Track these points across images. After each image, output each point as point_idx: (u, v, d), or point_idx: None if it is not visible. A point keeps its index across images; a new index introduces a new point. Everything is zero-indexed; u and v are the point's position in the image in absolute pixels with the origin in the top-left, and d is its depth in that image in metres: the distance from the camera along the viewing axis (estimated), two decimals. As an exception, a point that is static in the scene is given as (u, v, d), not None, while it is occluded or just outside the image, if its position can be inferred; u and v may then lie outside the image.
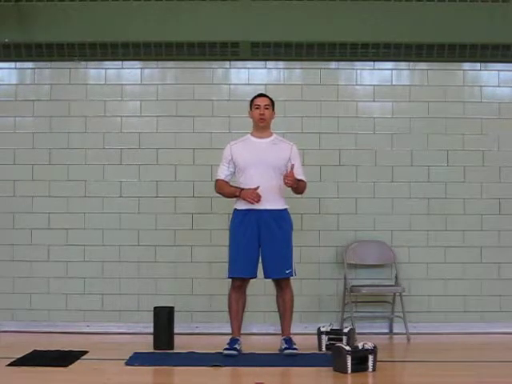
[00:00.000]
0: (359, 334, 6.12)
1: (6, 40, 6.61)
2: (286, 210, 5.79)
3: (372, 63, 6.83)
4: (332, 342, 5.65)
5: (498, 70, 6.84)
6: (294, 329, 5.87)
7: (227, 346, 5.65)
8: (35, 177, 6.76)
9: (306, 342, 5.87)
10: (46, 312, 6.67)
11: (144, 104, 6.82)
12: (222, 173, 5.84)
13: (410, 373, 5.34)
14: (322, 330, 5.88)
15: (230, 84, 6.84)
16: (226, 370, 5.23)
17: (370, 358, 5.08)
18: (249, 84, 6.79)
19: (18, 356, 5.43)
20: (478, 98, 6.83)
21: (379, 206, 6.75)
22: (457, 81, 6.85)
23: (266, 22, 6.58)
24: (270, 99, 5.87)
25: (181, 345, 5.95)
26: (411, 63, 6.83)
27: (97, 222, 6.73)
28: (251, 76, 6.83)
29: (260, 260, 5.73)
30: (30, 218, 6.73)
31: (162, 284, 6.69)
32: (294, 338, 5.77)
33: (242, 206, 5.72)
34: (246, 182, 5.72)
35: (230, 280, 5.79)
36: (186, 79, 6.81)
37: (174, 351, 5.87)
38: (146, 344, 5.99)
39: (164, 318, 6.02)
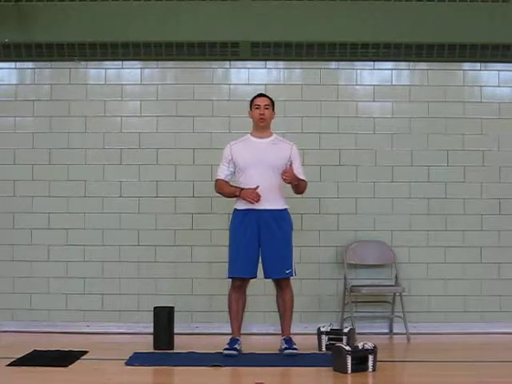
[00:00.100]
0: (359, 333, 6.12)
1: (6, 40, 6.61)
2: (286, 209, 5.79)
3: (372, 63, 6.83)
4: (332, 342, 5.65)
5: (498, 70, 6.84)
6: (294, 329, 5.87)
7: (227, 346, 5.65)
8: (35, 177, 6.76)
9: (305, 341, 5.87)
10: (46, 312, 6.67)
11: (144, 104, 6.82)
12: (222, 173, 5.84)
13: (410, 373, 5.34)
14: (322, 330, 5.88)
15: (229, 84, 6.84)
16: (225, 370, 5.23)
17: (370, 357, 5.08)
18: (249, 84, 6.79)
19: (18, 356, 5.43)
20: (477, 97, 6.83)
21: (379, 206, 6.75)
22: (457, 81, 6.85)
23: (266, 22, 6.58)
24: (270, 99, 5.87)
25: (181, 345, 5.95)
26: (411, 63, 6.83)
27: (97, 222, 6.73)
28: (251, 76, 6.83)
29: (260, 260, 5.73)
30: (29, 218, 6.73)
31: (161, 284, 6.69)
32: (294, 338, 5.77)
33: (242, 206, 5.72)
34: (246, 181, 5.72)
35: (230, 280, 5.79)
36: (185, 79, 6.81)
37: (174, 351, 5.87)
38: (146, 344, 5.99)
39: (164, 318, 6.02)
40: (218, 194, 5.92)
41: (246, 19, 6.57)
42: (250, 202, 5.63)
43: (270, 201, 5.68)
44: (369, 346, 5.11)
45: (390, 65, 6.84)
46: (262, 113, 5.78)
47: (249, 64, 6.82)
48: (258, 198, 5.62)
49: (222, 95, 6.81)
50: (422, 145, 6.79)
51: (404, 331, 6.40)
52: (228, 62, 6.82)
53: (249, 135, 5.89)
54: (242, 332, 5.84)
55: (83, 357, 5.51)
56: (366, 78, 6.86)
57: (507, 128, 6.80)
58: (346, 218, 6.75)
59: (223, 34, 6.59)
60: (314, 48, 6.67)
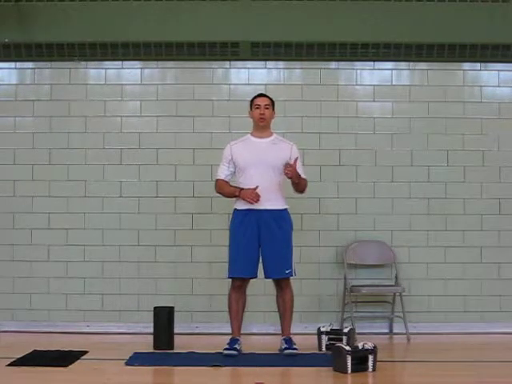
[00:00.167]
0: (359, 333, 6.12)
1: (6, 40, 6.61)
2: (286, 209, 5.79)
3: (372, 63, 6.83)
4: (332, 342, 5.65)
5: (498, 70, 6.84)
6: (294, 329, 5.87)
7: (227, 346, 5.65)
8: (35, 177, 6.76)
9: (305, 341, 5.87)
10: (46, 312, 6.67)
11: (144, 104, 6.82)
12: (222, 173, 5.84)
13: (410, 373, 5.34)
14: (322, 330, 5.88)
15: (229, 84, 6.84)
16: (225, 370, 5.23)
17: (370, 357, 5.08)
18: (249, 84, 6.79)
19: (18, 356, 5.43)
20: (477, 97, 6.83)
21: (379, 206, 6.75)
22: (457, 81, 6.85)
23: (266, 22, 6.58)
24: (270, 99, 5.87)
25: (181, 345, 5.95)
26: (411, 63, 6.83)
27: (97, 222, 6.73)
28: (251, 76, 6.83)
29: (260, 260, 5.73)
30: (29, 218, 6.73)
31: (161, 284, 6.69)
32: (294, 338, 5.77)
33: (242, 206, 5.72)
34: (246, 181, 5.72)
35: (230, 280, 5.79)
36: (185, 79, 6.81)
37: (174, 351, 5.87)
38: (146, 344, 5.99)
39: (164, 318, 6.02)
40: (217, 194, 5.92)
41: (246, 19, 6.57)
42: (250, 203, 5.63)
43: (270, 201, 5.68)
44: (369, 345, 5.11)
45: (389, 65, 6.84)
46: (262, 113, 5.79)
47: (249, 64, 6.82)
48: (257, 199, 5.62)
49: (221, 95, 6.81)
50: (422, 145, 6.79)
51: (404, 331, 6.40)
52: (228, 62, 6.82)
53: (249, 135, 5.89)
54: (242, 332, 5.84)
55: (83, 357, 5.51)
56: (365, 77, 6.86)
57: (507, 128, 6.80)
58: (345, 218, 6.74)
59: (223, 34, 6.59)
60: (314, 48, 6.67)
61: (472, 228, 6.73)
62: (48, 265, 6.70)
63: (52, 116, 6.79)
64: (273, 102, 5.87)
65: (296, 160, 5.64)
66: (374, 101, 6.84)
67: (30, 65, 6.82)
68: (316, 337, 5.90)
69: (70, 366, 5.21)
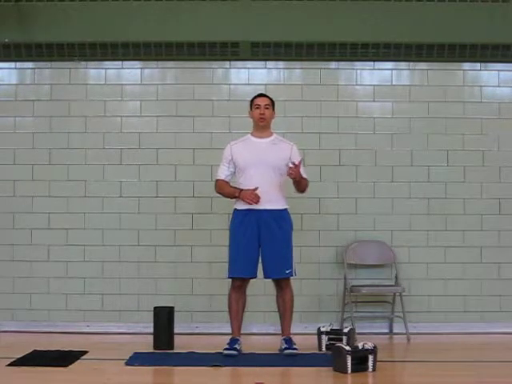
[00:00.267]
0: (359, 333, 6.11)
1: (6, 40, 6.61)
2: (286, 210, 5.79)
3: (372, 63, 6.83)
4: (332, 342, 5.65)
5: (498, 70, 6.84)
6: (294, 329, 5.87)
7: (227, 346, 5.65)
8: (35, 177, 6.76)
9: (306, 341, 5.87)
10: (46, 312, 6.67)
11: (144, 104, 6.82)
12: (222, 173, 5.84)
13: (410, 373, 5.34)
14: (322, 330, 5.88)
15: (229, 84, 6.84)
16: (225, 370, 5.23)
17: (370, 358, 5.08)
18: (249, 84, 6.79)
19: (18, 356, 5.43)
20: (477, 98, 6.83)
21: (379, 206, 6.75)
22: (457, 81, 6.85)
23: (266, 22, 6.58)
24: (270, 99, 5.87)
25: (181, 345, 5.95)
26: (411, 63, 6.83)
27: (97, 222, 6.73)
28: (251, 76, 6.83)
29: (260, 260, 5.73)
30: (29, 218, 6.73)
31: (161, 284, 6.69)
32: (294, 338, 5.77)
33: (242, 206, 5.72)
34: (246, 182, 5.72)
35: (230, 280, 5.79)
36: (186, 79, 6.81)
37: (174, 351, 5.87)
38: (146, 344, 5.99)
39: (164, 318, 6.02)
40: (217, 194, 5.92)
41: (246, 19, 6.57)
42: (249, 204, 5.63)
43: (270, 201, 5.68)
44: (369, 345, 5.11)
45: (389, 65, 6.84)
46: (262, 113, 5.78)
47: (249, 64, 6.82)
48: (257, 199, 5.62)
49: (221, 95, 6.81)
50: (422, 145, 6.79)
51: (404, 331, 6.40)
52: (228, 62, 6.82)
53: (249, 135, 5.89)
54: (242, 332, 5.84)
55: (83, 357, 5.51)
56: (365, 77, 6.86)
57: (507, 128, 6.80)
58: (345, 218, 6.74)
59: (223, 34, 6.59)
60: (314, 48, 6.67)
61: (472, 228, 6.73)
62: (48, 265, 6.70)
63: (52, 116, 6.79)
64: (273, 102, 5.87)
65: (300, 161, 5.64)
66: (373, 101, 6.84)
67: (30, 65, 6.82)
68: (316, 337, 5.90)
69: (70, 366, 5.21)
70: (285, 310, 5.80)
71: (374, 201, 6.76)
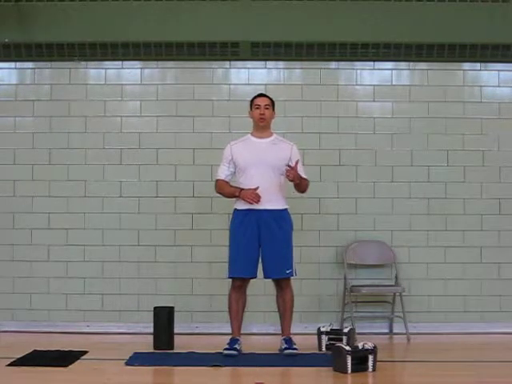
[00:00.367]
0: (359, 333, 6.11)
1: (6, 40, 6.61)
2: (286, 210, 5.79)
3: (372, 63, 6.83)
4: (332, 342, 5.65)
5: (498, 70, 6.84)
6: (294, 329, 5.87)
7: (227, 346, 5.65)
8: (35, 177, 6.76)
9: (306, 341, 5.87)
10: (46, 312, 6.67)
11: (144, 104, 6.82)
12: (223, 173, 5.84)
13: (410, 373, 5.34)
14: (322, 330, 5.88)
15: (229, 84, 6.84)
16: (225, 370, 5.23)
17: (370, 357, 5.08)
18: (249, 84, 6.79)
19: (18, 356, 5.43)
20: (477, 98, 6.83)
21: (379, 206, 6.75)
22: (457, 81, 6.85)
23: (266, 22, 6.58)
24: (270, 99, 5.86)
25: (181, 345, 5.95)
26: (411, 63, 6.83)
27: (97, 222, 6.73)
28: (251, 76, 6.83)
29: (260, 260, 5.73)
30: (29, 218, 6.73)
31: (161, 284, 6.69)
32: (294, 338, 5.77)
33: (242, 206, 5.72)
34: (246, 182, 5.72)
35: (230, 280, 5.79)
36: (185, 79, 6.81)
37: (174, 351, 5.87)
38: (146, 344, 5.99)
39: (164, 318, 6.02)
40: (218, 194, 5.92)
41: (246, 19, 6.57)
42: (250, 203, 5.63)
43: (271, 201, 5.68)
44: (369, 345, 5.11)
45: (389, 65, 6.84)
46: (262, 113, 5.78)
47: (249, 64, 6.82)
48: (257, 199, 5.62)
49: (221, 95, 6.81)
50: (422, 145, 6.79)
51: (404, 331, 6.40)
52: (228, 62, 6.82)
53: (249, 135, 5.89)
54: (242, 332, 5.83)
55: (83, 357, 5.51)
56: (365, 77, 6.86)
57: (507, 128, 6.80)
58: (345, 218, 6.74)
59: (223, 34, 6.59)
60: (314, 48, 6.67)
61: (472, 228, 6.73)
62: (48, 265, 6.70)
63: (52, 116, 6.79)
64: (273, 102, 5.86)
65: (297, 162, 5.63)
66: (373, 101, 6.84)
67: (30, 65, 6.82)
68: (316, 337, 5.90)
69: (70, 366, 5.21)
70: (285, 310, 5.80)
71: (373, 201, 6.76)
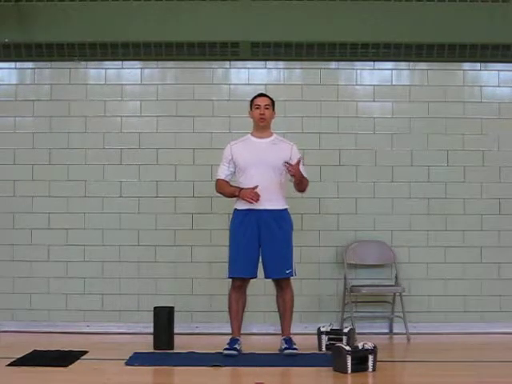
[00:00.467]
0: (359, 333, 6.11)
1: (6, 40, 6.61)
2: (286, 210, 5.79)
3: (372, 63, 6.83)
4: (332, 342, 5.65)
5: (498, 70, 6.84)
6: (294, 329, 5.87)
7: (227, 346, 5.65)
8: (35, 177, 6.76)
9: (306, 341, 5.87)
10: (46, 312, 6.67)
11: (144, 104, 6.82)
12: (223, 173, 5.84)
13: (410, 373, 5.34)
14: (322, 330, 5.88)
15: (229, 84, 6.84)
16: (225, 370, 5.23)
17: (370, 358, 5.08)
18: (249, 84, 6.79)
19: (18, 356, 5.43)
20: (477, 98, 6.83)
21: (379, 206, 6.75)
22: (457, 81, 6.85)
23: (266, 22, 6.58)
24: (271, 99, 5.86)
25: (181, 345, 5.95)
26: (411, 63, 6.83)
27: (97, 222, 6.73)
28: (251, 76, 6.83)
29: (260, 260, 5.73)
30: (29, 218, 6.73)
31: (161, 284, 6.69)
32: (294, 338, 5.77)
33: (242, 206, 5.72)
34: (247, 182, 5.72)
35: (230, 280, 5.79)
36: (185, 79, 6.81)
37: (174, 351, 5.87)
38: (146, 344, 5.99)
39: (164, 318, 6.02)
40: (218, 194, 5.92)
41: (246, 19, 6.57)
42: (250, 202, 5.63)
43: (271, 201, 5.68)
44: (369, 345, 5.11)
45: (389, 65, 6.84)
46: (262, 113, 5.78)
47: (249, 64, 6.82)
48: (257, 198, 5.62)
49: (221, 95, 6.81)
50: (422, 145, 6.79)
51: (404, 331, 6.40)
52: (228, 62, 6.82)
53: (249, 135, 5.89)
54: (242, 332, 5.83)
55: (83, 357, 5.51)
56: (365, 77, 6.86)
57: (507, 128, 6.80)
58: (345, 218, 6.74)
59: (223, 34, 6.59)
60: (314, 48, 6.67)
61: (472, 228, 6.73)
62: (48, 265, 6.70)
63: (52, 116, 6.79)
64: (273, 102, 5.86)
65: (299, 161, 5.63)
66: (373, 101, 6.84)
67: (30, 65, 6.82)
68: (316, 337, 5.90)
69: (70, 366, 5.21)
70: (285, 310, 5.80)
71: (374, 201, 6.76)
